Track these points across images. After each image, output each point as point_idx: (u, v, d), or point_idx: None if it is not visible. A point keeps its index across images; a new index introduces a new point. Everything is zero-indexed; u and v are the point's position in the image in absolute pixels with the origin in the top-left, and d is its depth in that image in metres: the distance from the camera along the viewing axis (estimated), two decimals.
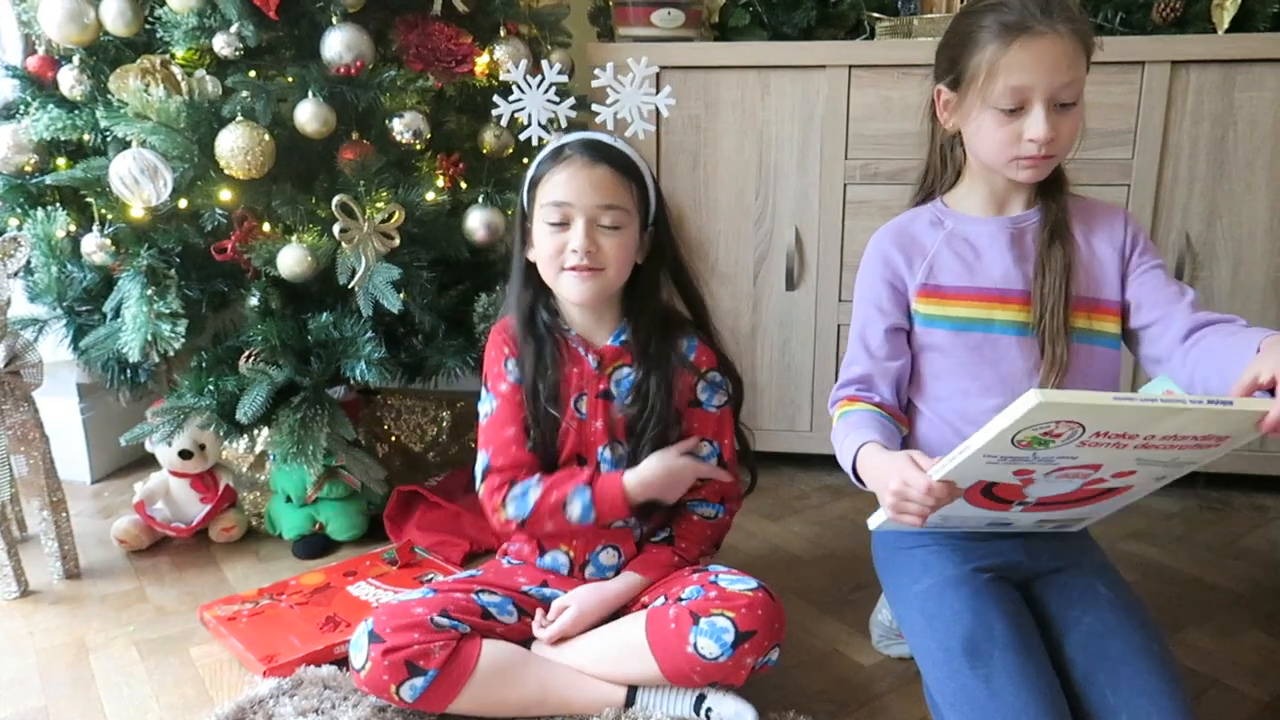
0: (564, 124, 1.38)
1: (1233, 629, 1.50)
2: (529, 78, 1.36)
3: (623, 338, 1.34)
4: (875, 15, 2.08)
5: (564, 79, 1.36)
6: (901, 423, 1.25)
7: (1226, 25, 1.90)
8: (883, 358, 1.25)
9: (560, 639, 1.29)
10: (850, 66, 1.93)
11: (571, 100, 1.37)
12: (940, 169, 1.29)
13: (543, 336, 1.33)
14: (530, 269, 1.33)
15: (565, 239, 1.25)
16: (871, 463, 1.12)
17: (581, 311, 1.33)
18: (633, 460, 1.32)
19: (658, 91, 1.39)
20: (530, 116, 1.37)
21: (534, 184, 1.29)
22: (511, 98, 1.37)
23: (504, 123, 1.40)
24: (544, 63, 1.36)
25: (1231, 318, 1.11)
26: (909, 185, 1.92)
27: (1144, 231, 1.23)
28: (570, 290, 1.28)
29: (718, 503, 1.39)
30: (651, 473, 1.29)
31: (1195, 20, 1.95)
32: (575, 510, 1.28)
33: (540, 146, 1.33)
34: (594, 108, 1.38)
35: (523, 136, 1.37)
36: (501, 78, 1.35)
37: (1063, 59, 1.09)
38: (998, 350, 1.20)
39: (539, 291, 1.34)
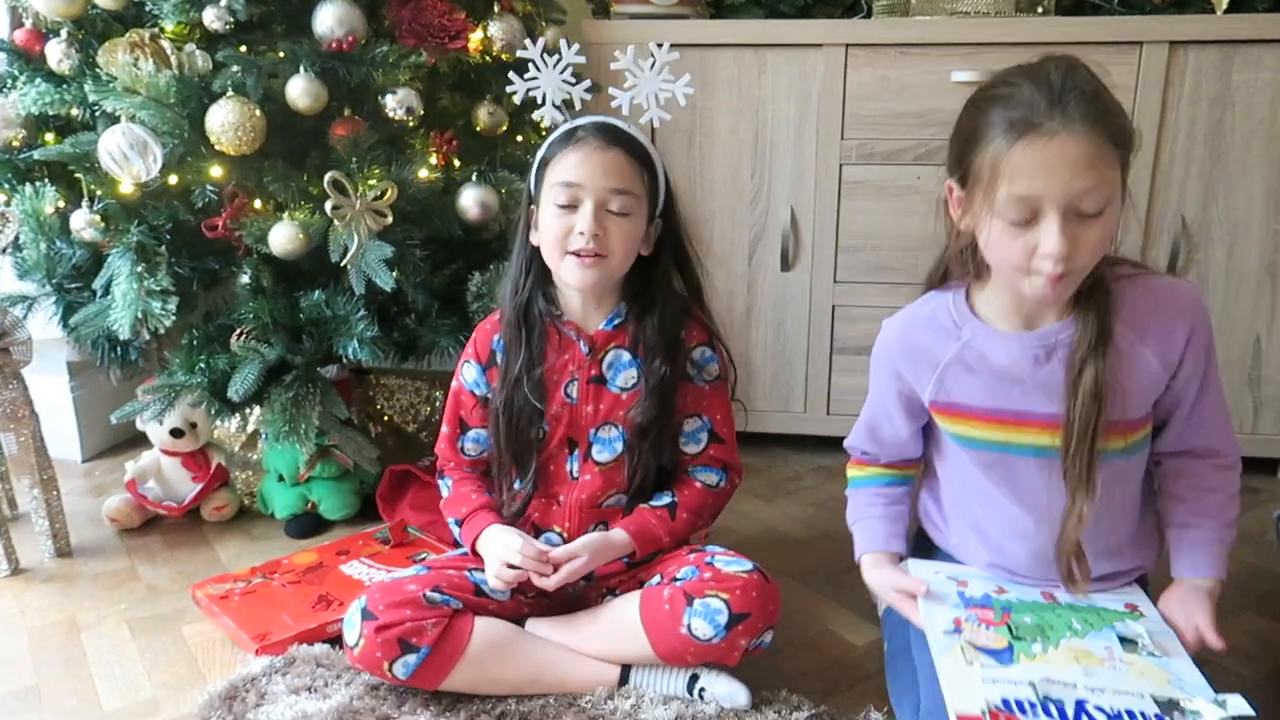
0: (579, 106, 1.34)
1: (1224, 610, 1.48)
2: (545, 56, 1.32)
3: (617, 321, 1.32)
4: None
5: (582, 59, 1.32)
6: (912, 469, 1.31)
7: (1225, 6, 1.89)
8: (891, 445, 1.28)
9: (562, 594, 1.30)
10: (847, 45, 1.92)
11: (588, 83, 1.33)
12: (960, 271, 1.14)
13: (535, 326, 1.32)
14: (533, 255, 1.31)
15: (572, 221, 1.23)
16: (869, 578, 1.24)
17: (580, 297, 1.31)
18: (631, 451, 1.31)
19: (676, 79, 1.36)
20: (545, 97, 1.33)
21: (543, 165, 1.27)
22: (527, 75, 1.33)
23: (518, 100, 1.34)
24: (562, 41, 1.32)
25: (1198, 480, 1.16)
26: (905, 165, 1.95)
27: (1210, 336, 1.09)
28: (572, 276, 1.26)
29: (720, 469, 1.38)
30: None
31: (1194, 0, 1.94)
32: (452, 528, 1.38)
33: (552, 129, 1.30)
34: (610, 91, 1.34)
35: (536, 116, 1.34)
36: (519, 54, 1.30)
37: (1079, 162, 0.93)
38: (1015, 470, 1.13)
39: (539, 278, 1.33)
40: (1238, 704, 0.98)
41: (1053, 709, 0.99)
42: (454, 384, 1.40)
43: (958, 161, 1.04)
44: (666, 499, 1.35)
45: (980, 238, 1.03)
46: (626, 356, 1.32)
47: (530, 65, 1.32)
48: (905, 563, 1.25)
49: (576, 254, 1.24)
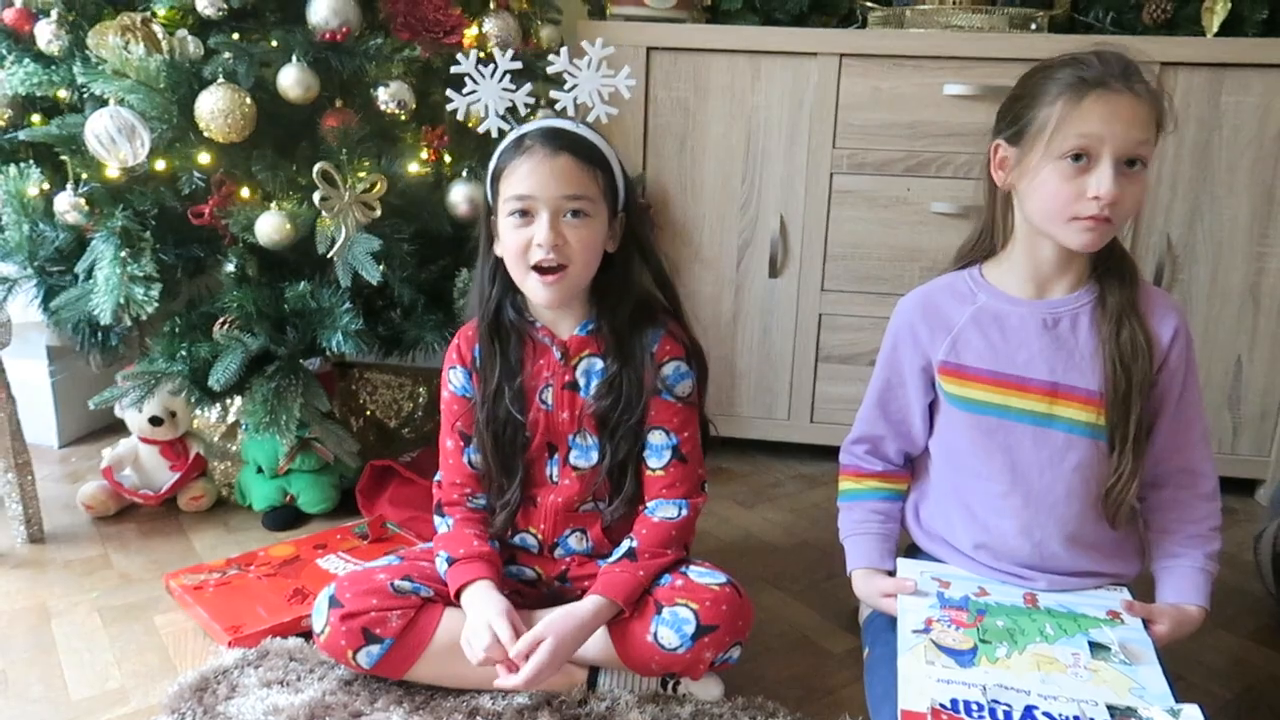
0: (523, 112, 1.33)
1: (1198, 629, 1.51)
2: (481, 68, 1.30)
3: (590, 328, 1.30)
4: (868, 4, 2.08)
5: (518, 65, 1.30)
6: (903, 480, 1.34)
7: (1216, 29, 1.91)
8: (898, 421, 1.30)
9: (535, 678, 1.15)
10: (841, 55, 1.92)
11: (529, 86, 1.31)
12: (998, 230, 1.23)
13: (509, 336, 1.30)
14: (498, 265, 1.29)
15: (530, 234, 1.20)
16: (860, 589, 1.30)
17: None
18: (603, 452, 1.29)
19: (616, 74, 1.33)
20: (487, 108, 1.32)
21: (496, 178, 1.25)
22: (465, 90, 1.31)
23: (460, 117, 1.33)
24: (494, 50, 1.30)
25: (1186, 509, 1.24)
26: (895, 176, 1.96)
27: (1191, 340, 1.20)
28: (536, 294, 1.23)
29: (679, 498, 1.31)
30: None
31: (1185, 23, 1.96)
32: (439, 564, 1.27)
33: (501, 137, 1.28)
34: (552, 94, 1.33)
35: (481, 129, 1.32)
36: (452, 70, 1.30)
37: (1137, 118, 1.08)
38: (1011, 437, 1.20)
39: (506, 288, 1.30)
40: (1192, 713, 1.00)
41: (1000, 712, 1.01)
42: (444, 395, 1.35)
43: (1013, 120, 1.15)
44: (623, 548, 1.28)
45: (1025, 188, 1.13)
46: (599, 365, 1.30)
47: (467, 79, 1.30)
48: (896, 562, 1.30)
49: (539, 269, 1.21)
